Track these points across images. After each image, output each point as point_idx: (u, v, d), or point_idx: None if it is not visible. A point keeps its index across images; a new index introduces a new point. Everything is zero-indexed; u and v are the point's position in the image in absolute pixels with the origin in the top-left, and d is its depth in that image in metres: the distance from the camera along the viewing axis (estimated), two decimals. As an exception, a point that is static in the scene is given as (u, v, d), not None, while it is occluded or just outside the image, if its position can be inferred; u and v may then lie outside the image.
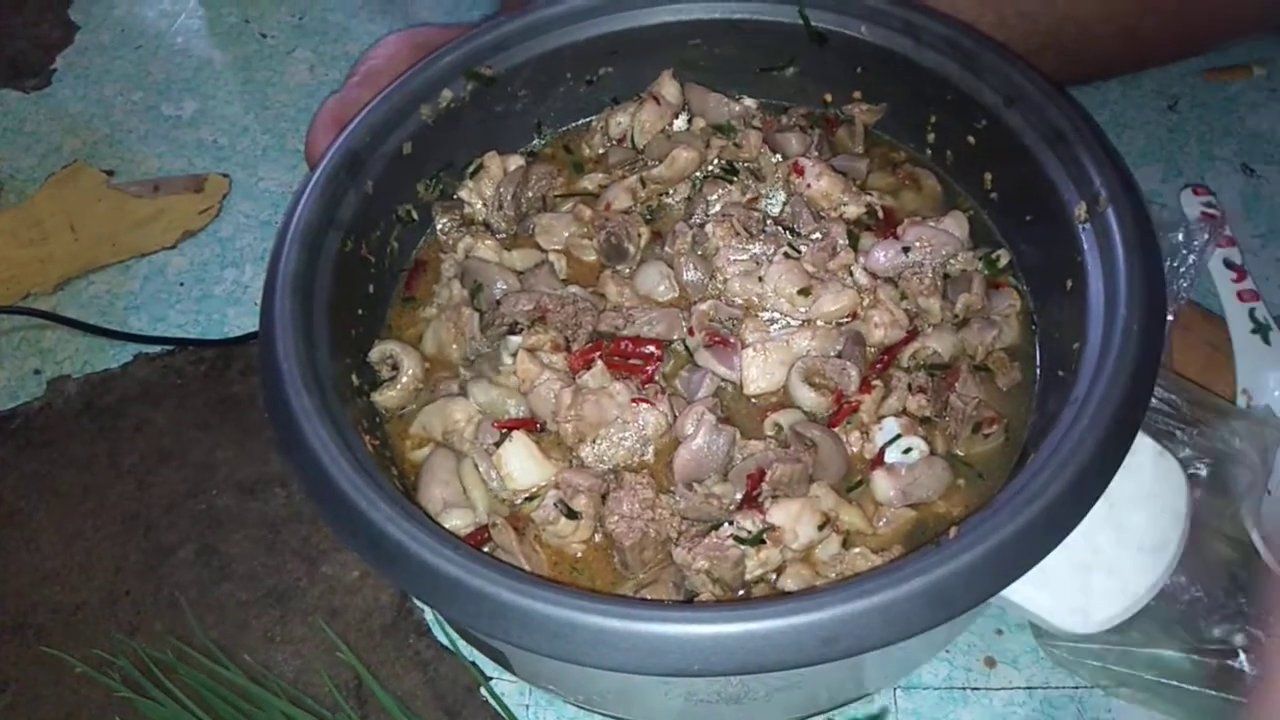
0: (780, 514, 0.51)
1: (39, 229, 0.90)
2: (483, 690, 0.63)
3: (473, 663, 0.64)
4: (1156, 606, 0.58)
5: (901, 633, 0.42)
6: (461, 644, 0.65)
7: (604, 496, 0.54)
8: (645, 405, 0.56)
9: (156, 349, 0.82)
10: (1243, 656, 0.57)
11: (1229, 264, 0.68)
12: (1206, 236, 0.62)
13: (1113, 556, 0.47)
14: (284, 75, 0.99)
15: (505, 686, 0.63)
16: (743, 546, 0.50)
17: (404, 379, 0.59)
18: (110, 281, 0.86)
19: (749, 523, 0.51)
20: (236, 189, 0.91)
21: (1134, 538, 0.47)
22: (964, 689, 0.62)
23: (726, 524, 0.51)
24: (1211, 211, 0.70)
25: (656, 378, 0.58)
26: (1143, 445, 0.49)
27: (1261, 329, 0.64)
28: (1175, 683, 0.58)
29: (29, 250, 0.88)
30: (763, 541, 0.50)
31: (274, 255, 0.55)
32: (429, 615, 0.67)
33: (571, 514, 0.53)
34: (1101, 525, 0.47)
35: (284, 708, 0.60)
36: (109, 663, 0.64)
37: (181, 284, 0.86)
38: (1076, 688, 0.61)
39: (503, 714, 0.60)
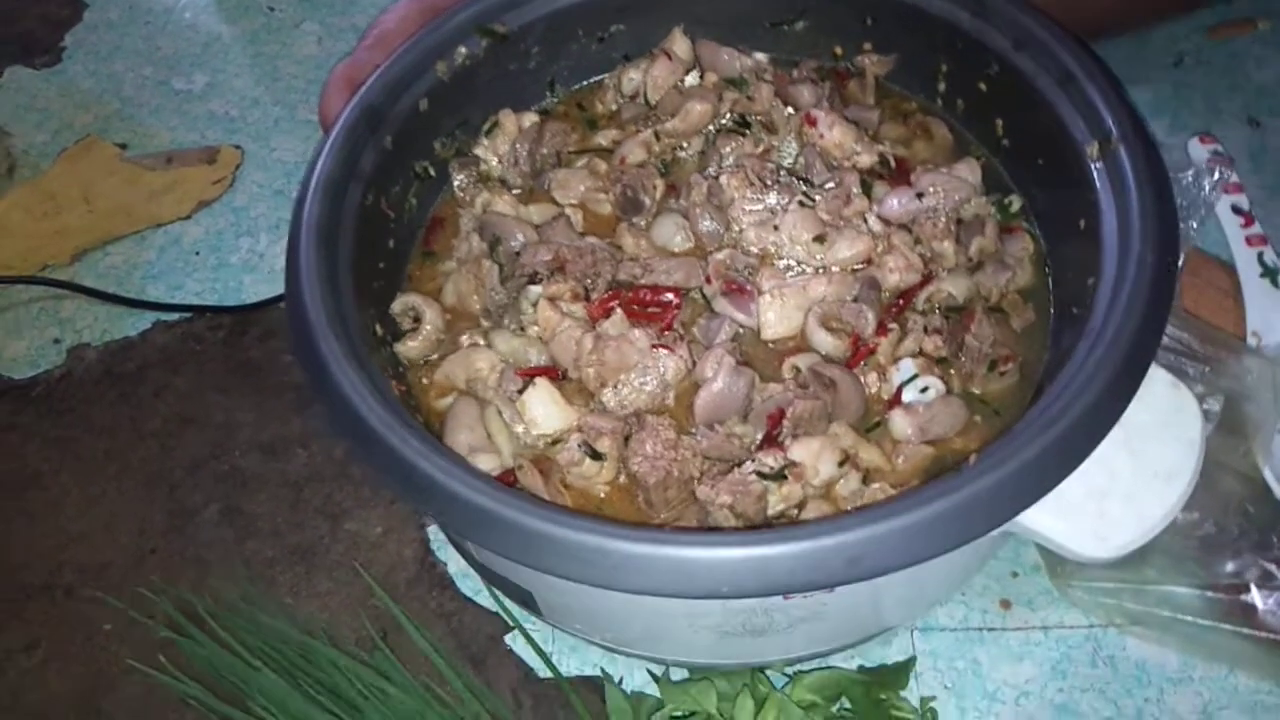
0: (801, 451, 0.52)
1: (53, 202, 0.90)
2: (507, 639, 0.64)
3: (496, 613, 0.65)
4: (1170, 542, 0.59)
5: (924, 553, 0.43)
6: (484, 596, 0.66)
7: (626, 439, 0.55)
8: (665, 351, 0.56)
9: (174, 316, 0.82)
10: (1255, 591, 0.58)
11: (1237, 209, 0.68)
12: (1216, 176, 0.62)
13: (1129, 483, 0.48)
14: (292, 48, 1.00)
15: (525, 638, 0.64)
16: (765, 482, 0.51)
17: (426, 329, 0.60)
18: (127, 252, 0.87)
19: (771, 460, 0.52)
20: (249, 160, 0.92)
21: (1150, 465, 0.48)
22: (980, 629, 0.63)
23: (749, 461, 0.52)
24: (1219, 158, 0.71)
25: (675, 325, 0.59)
26: (1157, 376, 0.50)
27: (1270, 272, 0.65)
28: (1189, 618, 0.59)
29: (44, 223, 0.89)
30: (784, 477, 0.51)
31: (298, 204, 0.56)
32: (451, 569, 0.68)
33: (596, 455, 0.54)
34: (1117, 453, 0.48)
35: (324, 650, 0.61)
36: (138, 618, 0.66)
37: (197, 253, 0.86)
38: (1091, 626, 0.62)
39: (533, 652, 0.61)
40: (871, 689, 0.55)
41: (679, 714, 0.55)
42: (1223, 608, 0.59)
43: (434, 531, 0.69)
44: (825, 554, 0.42)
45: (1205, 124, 0.83)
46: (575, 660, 0.63)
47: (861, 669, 0.59)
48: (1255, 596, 0.58)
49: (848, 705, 0.56)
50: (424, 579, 0.68)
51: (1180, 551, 0.59)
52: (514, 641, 0.64)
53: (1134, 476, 0.48)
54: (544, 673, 0.63)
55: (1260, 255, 0.66)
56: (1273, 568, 0.58)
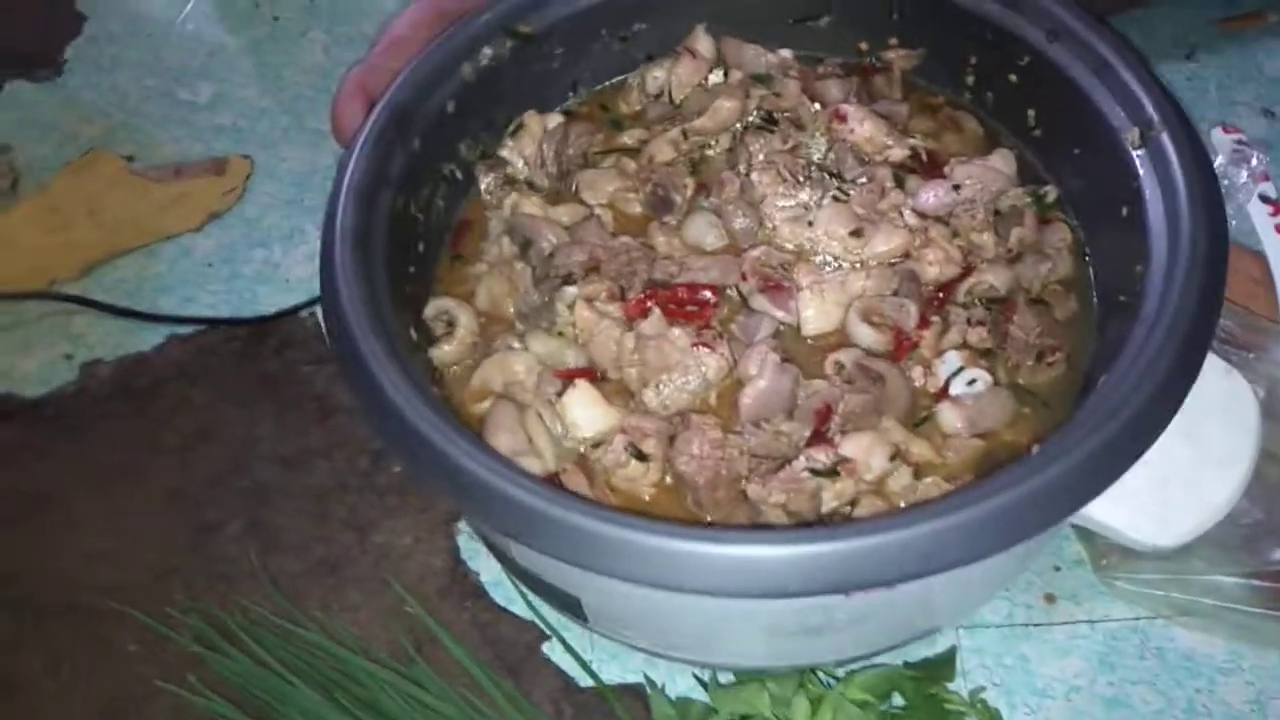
0: (851, 446, 0.51)
1: (59, 216, 0.89)
2: (544, 648, 0.63)
3: (532, 622, 0.64)
4: (1216, 531, 0.59)
5: (994, 547, 0.42)
6: (519, 605, 0.65)
7: (671, 440, 0.54)
8: (705, 349, 0.56)
9: (189, 329, 0.81)
10: (1305, 578, 0.58)
11: (1264, 198, 0.68)
12: (1253, 163, 0.62)
13: (1189, 470, 0.47)
14: (298, 57, 0.99)
15: (565, 647, 0.63)
16: (818, 479, 0.50)
17: (460, 333, 0.59)
18: (137, 265, 0.85)
19: (822, 456, 0.51)
20: (259, 170, 0.91)
21: (1208, 452, 0.48)
22: (1025, 625, 0.62)
23: (799, 459, 0.51)
24: (1243, 148, 0.71)
25: (714, 323, 0.58)
26: (1210, 363, 0.50)
27: (1302, 259, 0.65)
28: (1237, 607, 0.59)
29: (51, 237, 0.87)
30: (837, 474, 0.51)
31: (330, 210, 0.55)
32: (484, 578, 0.67)
33: (641, 456, 0.53)
34: (1176, 441, 0.47)
35: (359, 663, 0.59)
36: (165, 635, 0.64)
37: (209, 265, 0.85)
38: (1138, 619, 0.61)
39: (573, 660, 0.60)
40: (921, 684, 0.54)
41: (730, 717, 0.54)
42: (1271, 595, 0.59)
43: (464, 540, 0.68)
44: (896, 549, 0.42)
45: (1221, 115, 0.84)
46: (616, 668, 0.62)
47: (907, 664, 0.59)
48: (1304, 584, 0.58)
49: (899, 702, 0.55)
50: (456, 589, 0.67)
51: (1226, 540, 0.59)
52: (552, 651, 0.63)
53: (1194, 463, 0.48)
54: (584, 681, 0.62)
55: (1291, 241, 0.66)
56: (1322, 554, 0.57)
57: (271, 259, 0.85)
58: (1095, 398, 0.47)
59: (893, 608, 0.50)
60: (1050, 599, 0.63)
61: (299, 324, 0.81)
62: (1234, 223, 0.64)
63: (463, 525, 0.69)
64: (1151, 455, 0.46)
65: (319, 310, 0.79)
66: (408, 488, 0.71)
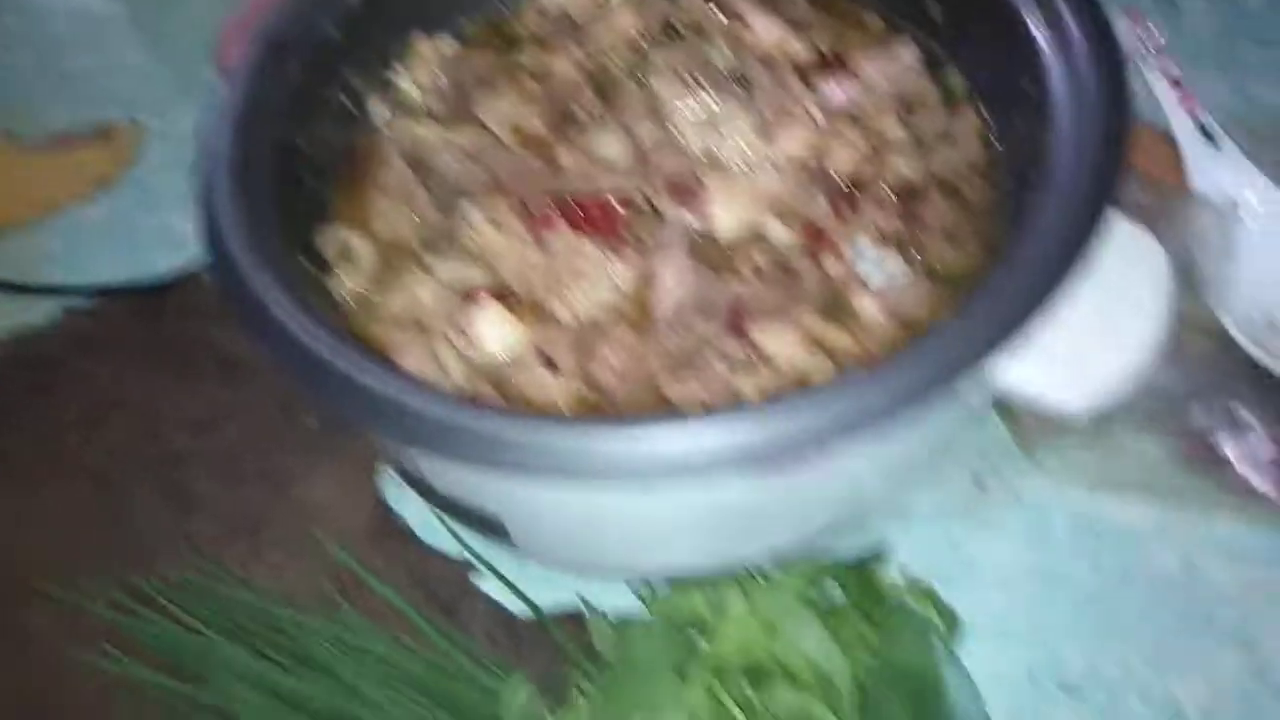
0: (768, 339, 0.50)
1: (-63, 195, 0.84)
2: (477, 584, 0.61)
3: (462, 562, 0.62)
4: (1138, 402, 0.59)
5: (909, 400, 0.41)
6: (448, 544, 0.63)
7: (585, 350, 0.52)
8: (616, 258, 0.54)
9: (84, 302, 0.77)
10: (1225, 439, 0.58)
11: (1167, 75, 0.69)
12: (1155, 35, 0.62)
13: (1104, 329, 0.47)
14: (183, 18, 0.95)
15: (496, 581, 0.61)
16: (737, 374, 0.49)
17: (360, 264, 0.56)
18: (24, 239, 0.81)
19: (739, 350, 0.50)
20: (150, 135, 0.87)
21: (1123, 309, 0.47)
22: (956, 512, 0.62)
23: (716, 358, 0.50)
24: (1144, 26, 0.71)
25: (624, 233, 0.56)
26: (1121, 227, 0.49)
27: (1207, 134, 0.66)
28: (1163, 475, 0.59)
29: (-71, 217, 0.83)
30: (755, 367, 0.49)
31: (205, 142, 0.52)
32: (411, 521, 0.65)
33: (554, 366, 0.51)
34: (1089, 301, 0.47)
35: (284, 613, 0.57)
36: (80, 608, 0.61)
37: (102, 234, 0.81)
38: (1066, 496, 0.61)
39: (506, 590, 0.59)
40: (855, 571, 0.54)
41: (669, 623, 0.52)
42: (1195, 460, 0.59)
43: (388, 487, 0.66)
44: (805, 418, 0.41)
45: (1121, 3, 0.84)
46: (549, 595, 0.60)
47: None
48: (1226, 444, 0.58)
49: (836, 589, 0.54)
50: (381, 535, 0.65)
51: (1148, 409, 0.59)
52: (485, 584, 0.61)
53: (1108, 322, 0.47)
54: (519, 614, 0.60)
55: (1196, 117, 0.66)
56: (1241, 413, 0.58)
57: (166, 223, 0.81)
58: (1004, 263, 0.46)
59: (823, 494, 0.49)
60: (979, 484, 0.63)
61: (198, 287, 0.77)
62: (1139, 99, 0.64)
63: (385, 473, 0.67)
64: (1068, 320, 0.46)
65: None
66: (323, 442, 0.69)
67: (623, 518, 0.48)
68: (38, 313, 0.77)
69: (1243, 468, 0.58)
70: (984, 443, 0.64)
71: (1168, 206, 0.58)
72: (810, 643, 0.49)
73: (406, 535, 0.64)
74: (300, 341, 0.46)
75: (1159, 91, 0.68)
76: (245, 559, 0.65)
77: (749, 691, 0.48)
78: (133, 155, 0.86)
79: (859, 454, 0.44)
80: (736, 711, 0.46)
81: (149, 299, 0.77)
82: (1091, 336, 0.47)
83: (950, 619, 0.53)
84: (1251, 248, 0.60)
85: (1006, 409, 0.63)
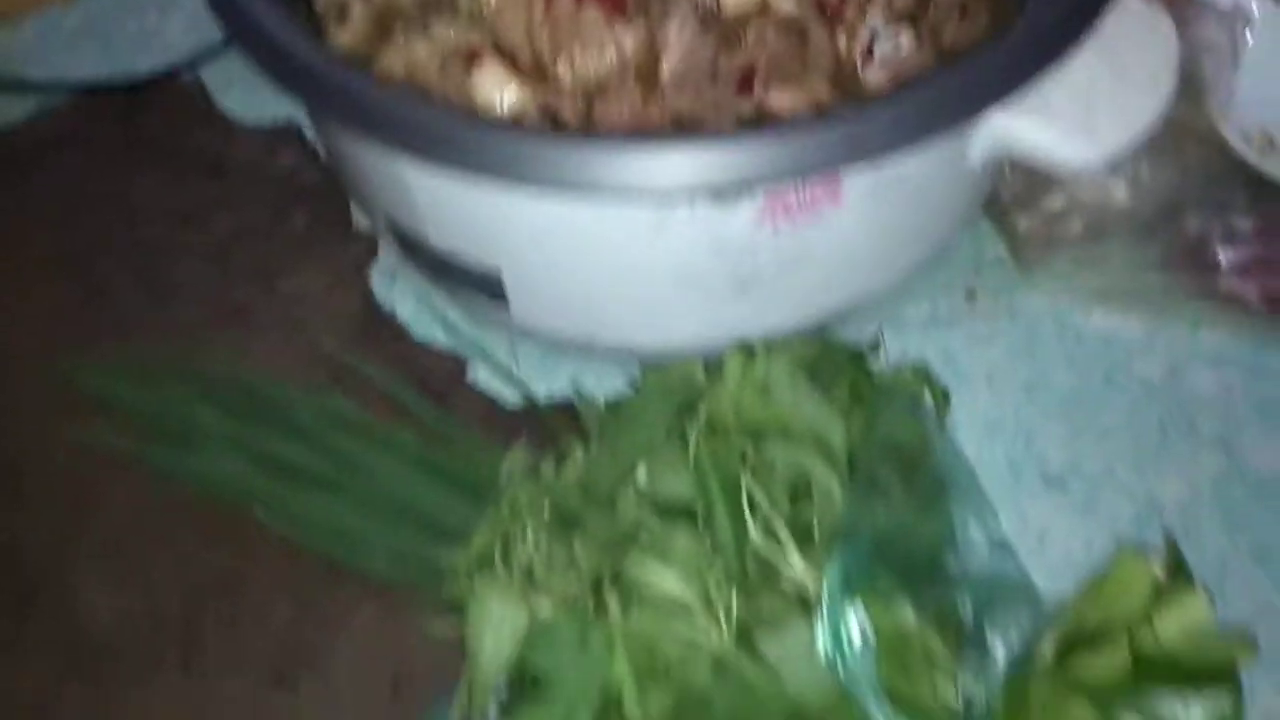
0: (777, 99, 0.50)
1: (-96, -7, 0.80)
2: (469, 374, 0.61)
3: (455, 355, 0.62)
4: (1132, 210, 0.59)
5: (911, 136, 0.41)
6: (441, 336, 0.62)
7: (589, 110, 0.51)
8: (621, 23, 0.53)
9: (62, 99, 0.75)
10: (1218, 248, 0.59)
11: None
12: None
13: (1112, 89, 0.47)
14: None
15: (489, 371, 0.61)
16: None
17: (354, 21, 0.55)
18: (1, 36, 0.78)
19: (746, 106, 0.49)
20: (128, -65, 0.83)
21: (1131, 73, 0.48)
22: (947, 321, 0.62)
23: (724, 115, 0.50)
24: None
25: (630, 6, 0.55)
26: (1131, 2, 0.49)
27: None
28: (1152, 285, 0.60)
29: (-105, 13, 0.79)
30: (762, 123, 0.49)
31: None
32: (402, 314, 0.64)
33: (559, 124, 0.50)
34: (1097, 63, 0.47)
35: (275, 388, 0.56)
36: (60, 389, 0.60)
37: (80, 35, 0.78)
38: (1057, 307, 0.62)
39: (499, 379, 0.58)
40: (850, 354, 0.54)
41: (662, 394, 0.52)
42: (1186, 270, 0.60)
43: (379, 277, 0.65)
44: (816, 137, 0.41)
45: None
46: (542, 385, 0.60)
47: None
48: (1218, 253, 0.59)
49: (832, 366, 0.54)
50: (373, 327, 0.64)
51: (1143, 219, 0.59)
52: (477, 374, 0.61)
53: (1117, 83, 0.47)
54: (511, 403, 0.60)
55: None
56: (1235, 222, 0.58)
57: (147, 26, 0.79)
58: (1013, 28, 0.46)
59: (822, 252, 0.49)
60: (971, 295, 0.63)
61: (181, 89, 0.75)
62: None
63: (375, 268, 0.66)
64: (1076, 79, 0.46)
65: (201, 71, 0.75)
66: (313, 239, 0.68)
67: (622, 269, 0.47)
68: (12, 110, 0.74)
69: (1231, 275, 0.59)
70: (979, 258, 0.64)
71: (1176, 11, 0.58)
72: (807, 406, 0.49)
73: (397, 329, 0.64)
74: (311, 62, 0.45)
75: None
76: (231, 346, 0.63)
77: (747, 449, 0.48)
78: (110, -41, 0.82)
79: (861, 197, 0.44)
80: (735, 461, 0.46)
81: (129, 99, 0.75)
82: (1101, 99, 0.47)
83: (942, 396, 0.54)
84: (1256, 61, 0.60)
85: (1004, 223, 0.64)
